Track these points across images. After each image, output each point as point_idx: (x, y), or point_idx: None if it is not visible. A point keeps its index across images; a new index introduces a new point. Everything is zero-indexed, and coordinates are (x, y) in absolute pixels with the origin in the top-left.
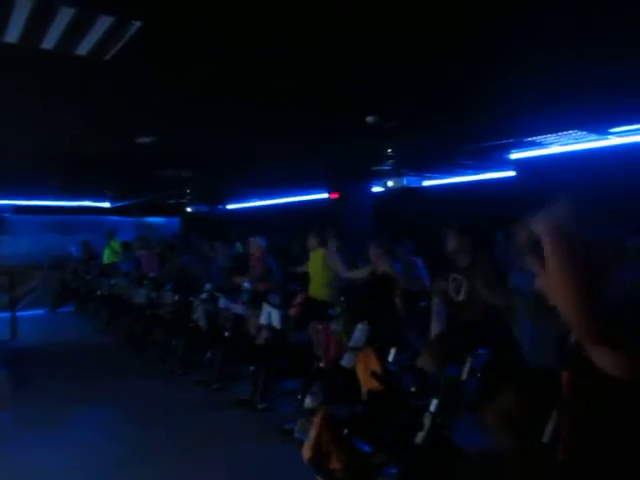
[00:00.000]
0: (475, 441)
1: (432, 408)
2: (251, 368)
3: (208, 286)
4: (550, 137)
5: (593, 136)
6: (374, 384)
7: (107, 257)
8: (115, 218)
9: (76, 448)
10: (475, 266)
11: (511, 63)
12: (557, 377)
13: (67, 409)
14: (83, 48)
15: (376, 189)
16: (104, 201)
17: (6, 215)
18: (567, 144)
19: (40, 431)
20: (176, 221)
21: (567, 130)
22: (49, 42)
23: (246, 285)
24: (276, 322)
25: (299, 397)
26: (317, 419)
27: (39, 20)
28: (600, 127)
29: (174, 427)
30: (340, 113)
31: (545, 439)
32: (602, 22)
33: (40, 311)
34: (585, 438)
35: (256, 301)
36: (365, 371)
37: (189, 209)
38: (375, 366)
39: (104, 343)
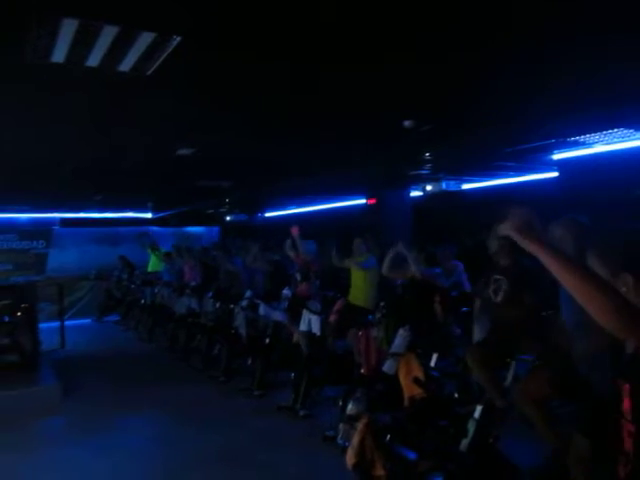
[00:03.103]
0: (521, 449)
1: (476, 415)
2: (292, 375)
3: (248, 293)
4: (594, 136)
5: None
6: (416, 390)
7: (152, 266)
8: (156, 228)
9: (124, 453)
10: (516, 267)
11: (552, 61)
12: (611, 388)
13: (114, 415)
14: (126, 64)
15: (414, 194)
16: (146, 212)
17: (54, 228)
18: (612, 143)
19: (89, 436)
20: (215, 230)
21: (612, 128)
22: (94, 60)
23: (286, 292)
24: (316, 329)
25: (340, 404)
26: (360, 425)
27: (84, 39)
28: None
29: (218, 433)
30: (377, 118)
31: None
32: None
33: (87, 320)
34: None
35: (296, 308)
36: (407, 377)
37: (228, 218)
38: (417, 372)
39: (148, 351)
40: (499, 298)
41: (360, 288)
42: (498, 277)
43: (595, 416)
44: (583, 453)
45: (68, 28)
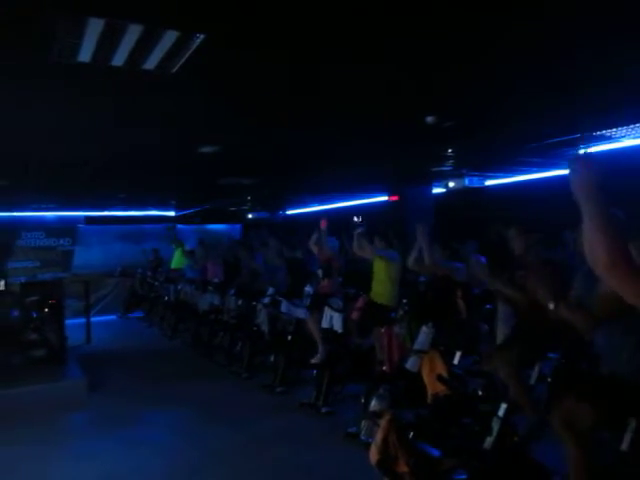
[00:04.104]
0: (546, 449)
1: (500, 413)
2: (314, 372)
3: (271, 290)
4: (621, 130)
5: None
6: (440, 388)
7: (175, 263)
8: (180, 226)
9: (148, 447)
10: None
11: (577, 55)
12: (636, 385)
13: (140, 409)
14: (150, 63)
15: (437, 190)
16: (169, 210)
17: (79, 226)
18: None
19: (116, 430)
20: (237, 228)
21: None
22: (119, 59)
23: (308, 289)
24: (338, 326)
25: (362, 401)
26: (384, 422)
27: (109, 39)
28: None
29: (241, 430)
30: (399, 114)
31: (624, 447)
32: None
33: (112, 317)
34: None
35: (318, 305)
36: (430, 375)
37: (250, 216)
38: (441, 369)
39: (172, 347)
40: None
41: (382, 282)
42: (522, 273)
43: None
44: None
45: (94, 28)
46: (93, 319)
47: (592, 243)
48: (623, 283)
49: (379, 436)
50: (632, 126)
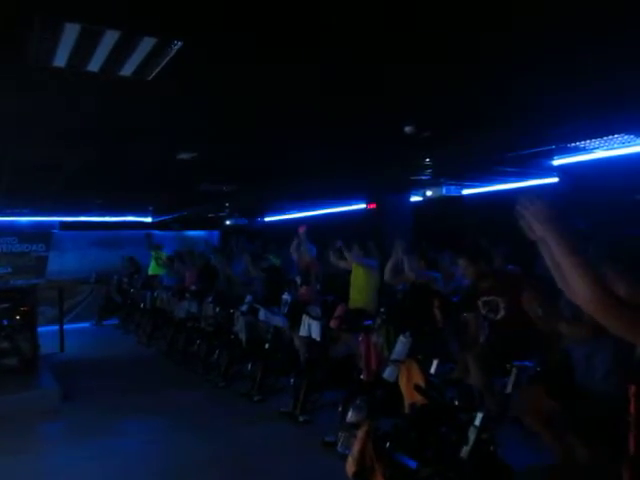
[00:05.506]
0: (522, 456)
1: (477, 422)
2: (292, 380)
3: (248, 298)
4: (594, 142)
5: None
6: (417, 397)
7: (152, 269)
8: (156, 232)
9: (122, 457)
10: (510, 282)
11: (552, 66)
12: (616, 399)
13: (114, 419)
14: (127, 69)
15: (415, 199)
16: (146, 216)
17: (53, 231)
18: (612, 148)
19: (88, 440)
20: (215, 234)
21: (612, 134)
22: (95, 65)
23: (286, 297)
24: (316, 334)
25: (340, 410)
26: (361, 433)
27: (86, 44)
28: None
29: (216, 439)
30: (377, 124)
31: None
32: None
33: (87, 324)
34: None
35: (296, 313)
36: (408, 384)
37: (228, 222)
38: (418, 379)
39: (148, 355)
40: (500, 315)
41: (361, 289)
42: (488, 299)
43: (596, 420)
44: (581, 459)
45: (70, 33)
46: (67, 327)
47: (571, 280)
48: (608, 316)
49: (356, 447)
50: (604, 138)
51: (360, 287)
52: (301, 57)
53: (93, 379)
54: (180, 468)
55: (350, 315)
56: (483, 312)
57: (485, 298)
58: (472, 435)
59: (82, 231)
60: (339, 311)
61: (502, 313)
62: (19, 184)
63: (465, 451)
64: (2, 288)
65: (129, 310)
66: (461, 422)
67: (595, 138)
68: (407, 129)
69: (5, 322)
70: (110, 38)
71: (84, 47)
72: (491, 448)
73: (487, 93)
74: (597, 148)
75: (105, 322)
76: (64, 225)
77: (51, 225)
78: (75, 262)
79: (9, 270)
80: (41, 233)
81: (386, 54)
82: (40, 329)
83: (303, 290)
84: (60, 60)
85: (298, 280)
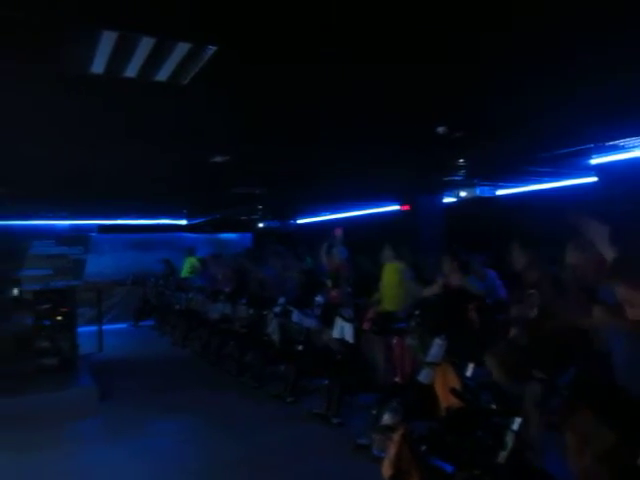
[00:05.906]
0: (560, 464)
1: (514, 427)
2: (325, 382)
3: (281, 300)
4: (633, 140)
5: None
6: (453, 400)
7: (185, 272)
8: (190, 235)
9: (157, 456)
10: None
11: (589, 64)
12: None
13: (149, 418)
14: (163, 74)
15: (448, 200)
16: (181, 219)
17: (91, 234)
18: None
19: (125, 438)
20: (248, 237)
21: None
22: (132, 70)
23: (319, 299)
24: (349, 336)
25: (373, 412)
26: (397, 436)
27: (123, 51)
28: None
29: (250, 440)
30: (411, 123)
31: None
32: None
33: (124, 325)
34: None
35: (329, 315)
36: (444, 387)
37: (261, 225)
38: (453, 382)
39: (182, 356)
40: (534, 313)
41: (394, 295)
42: (532, 291)
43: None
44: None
45: (107, 40)
46: (105, 327)
47: None
48: None
49: (392, 450)
50: None
51: (391, 288)
52: (334, 59)
53: (129, 379)
54: (212, 468)
55: (381, 318)
56: (526, 303)
57: (530, 290)
58: (509, 440)
59: (119, 234)
60: (371, 314)
61: (535, 312)
62: (58, 189)
63: (502, 456)
64: (44, 289)
65: (164, 311)
66: (497, 426)
67: (634, 136)
68: (440, 129)
69: (46, 322)
70: (146, 44)
71: (121, 54)
72: (529, 454)
73: (521, 92)
74: (636, 147)
75: (142, 323)
76: (102, 228)
77: (89, 228)
78: (112, 264)
79: (49, 272)
80: (79, 236)
81: (419, 54)
82: (79, 329)
83: (334, 293)
84: (98, 67)
85: (328, 283)
